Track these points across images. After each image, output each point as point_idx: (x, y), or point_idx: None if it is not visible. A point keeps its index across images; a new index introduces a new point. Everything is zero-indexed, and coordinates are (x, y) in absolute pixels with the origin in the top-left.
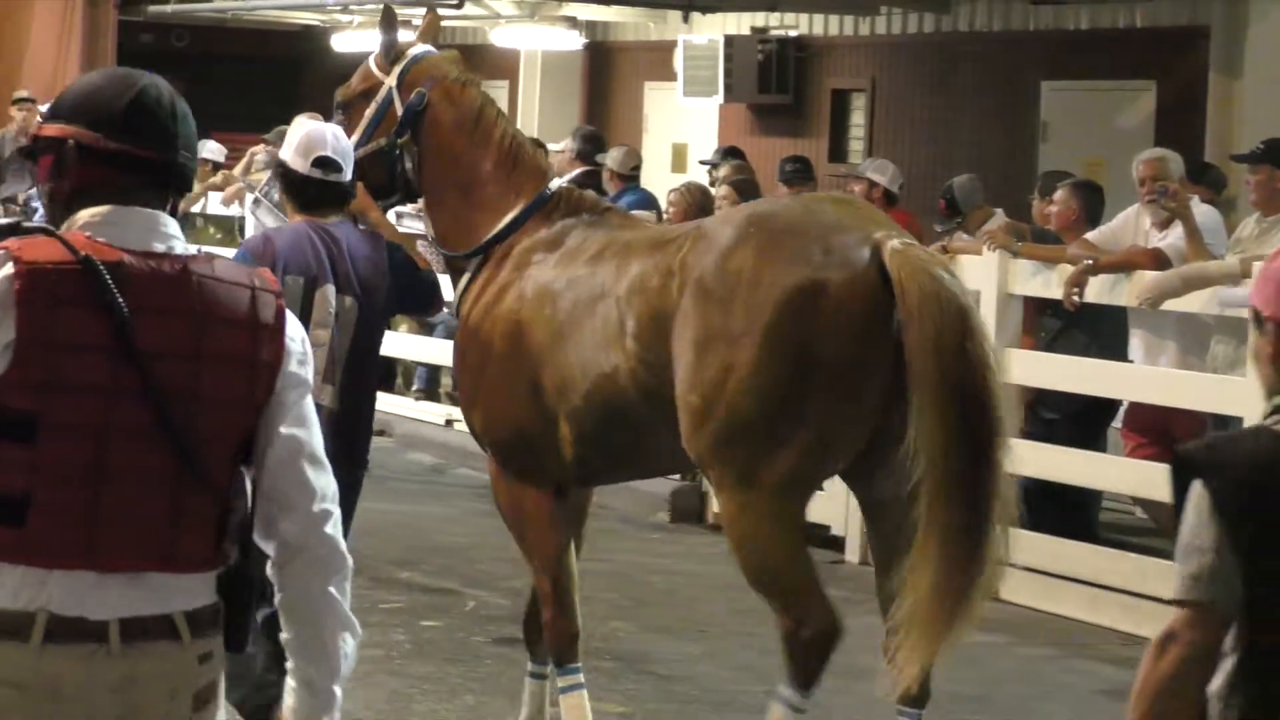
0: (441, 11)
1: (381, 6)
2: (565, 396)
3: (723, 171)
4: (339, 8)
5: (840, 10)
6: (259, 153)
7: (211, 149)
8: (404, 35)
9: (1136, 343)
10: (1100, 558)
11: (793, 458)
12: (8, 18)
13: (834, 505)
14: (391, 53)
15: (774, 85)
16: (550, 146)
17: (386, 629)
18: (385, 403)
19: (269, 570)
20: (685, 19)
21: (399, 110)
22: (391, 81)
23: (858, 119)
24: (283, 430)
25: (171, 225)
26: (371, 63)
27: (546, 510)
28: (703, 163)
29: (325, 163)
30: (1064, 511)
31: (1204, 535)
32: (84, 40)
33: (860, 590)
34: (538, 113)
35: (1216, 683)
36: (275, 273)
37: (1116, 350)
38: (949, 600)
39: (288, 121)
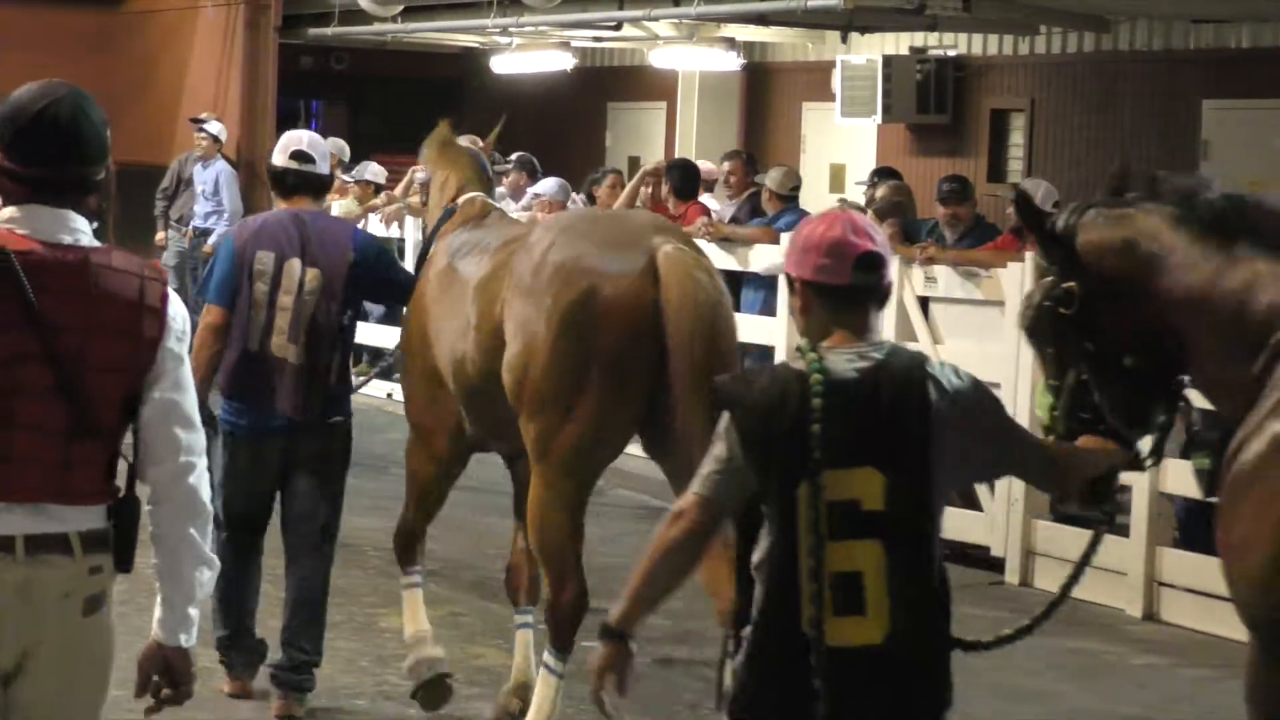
0: (600, 33)
1: (539, 29)
2: (444, 379)
3: (880, 192)
4: (498, 30)
5: (1000, 30)
6: (419, 171)
7: (373, 171)
8: None
9: None
10: None
11: (576, 431)
12: (170, 42)
13: (995, 529)
14: None
15: (932, 105)
16: (702, 164)
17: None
18: None
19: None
20: (844, 39)
21: None
22: None
23: (1017, 139)
24: (158, 395)
25: (78, 221)
26: None
27: (439, 478)
28: (859, 184)
29: (300, 155)
30: None
31: (721, 448)
32: (244, 64)
33: (1020, 611)
34: (695, 134)
35: (756, 557)
36: (248, 250)
37: None
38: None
39: None
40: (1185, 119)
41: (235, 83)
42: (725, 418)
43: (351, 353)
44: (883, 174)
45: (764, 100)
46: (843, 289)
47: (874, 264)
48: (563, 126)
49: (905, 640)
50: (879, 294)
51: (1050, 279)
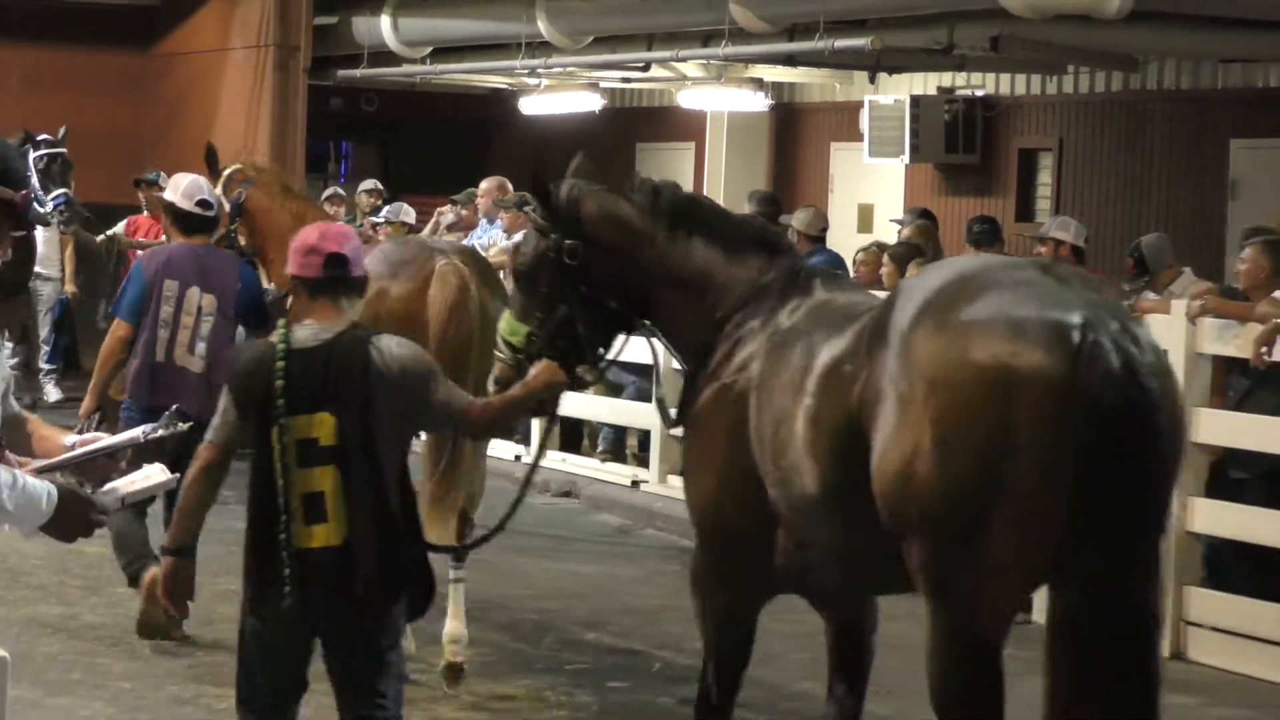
0: (629, 74)
1: (567, 70)
2: None
3: (905, 232)
4: (527, 71)
5: (1028, 69)
6: (446, 213)
7: (405, 211)
8: None
9: None
10: None
11: None
12: (200, 84)
13: None
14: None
15: (961, 145)
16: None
17: (573, 690)
18: (572, 464)
19: None
20: (872, 79)
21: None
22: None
23: (1045, 178)
24: None
25: None
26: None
27: None
28: (893, 221)
29: (204, 204)
30: (1254, 571)
31: (223, 403)
32: (274, 105)
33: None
34: (724, 174)
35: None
36: (158, 278)
37: None
38: (443, 505)
39: (476, 184)
40: (1213, 158)
41: (265, 124)
42: (226, 381)
43: None
44: (918, 214)
45: (792, 140)
46: (317, 281)
47: (340, 263)
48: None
49: (359, 541)
50: (346, 285)
51: (556, 236)
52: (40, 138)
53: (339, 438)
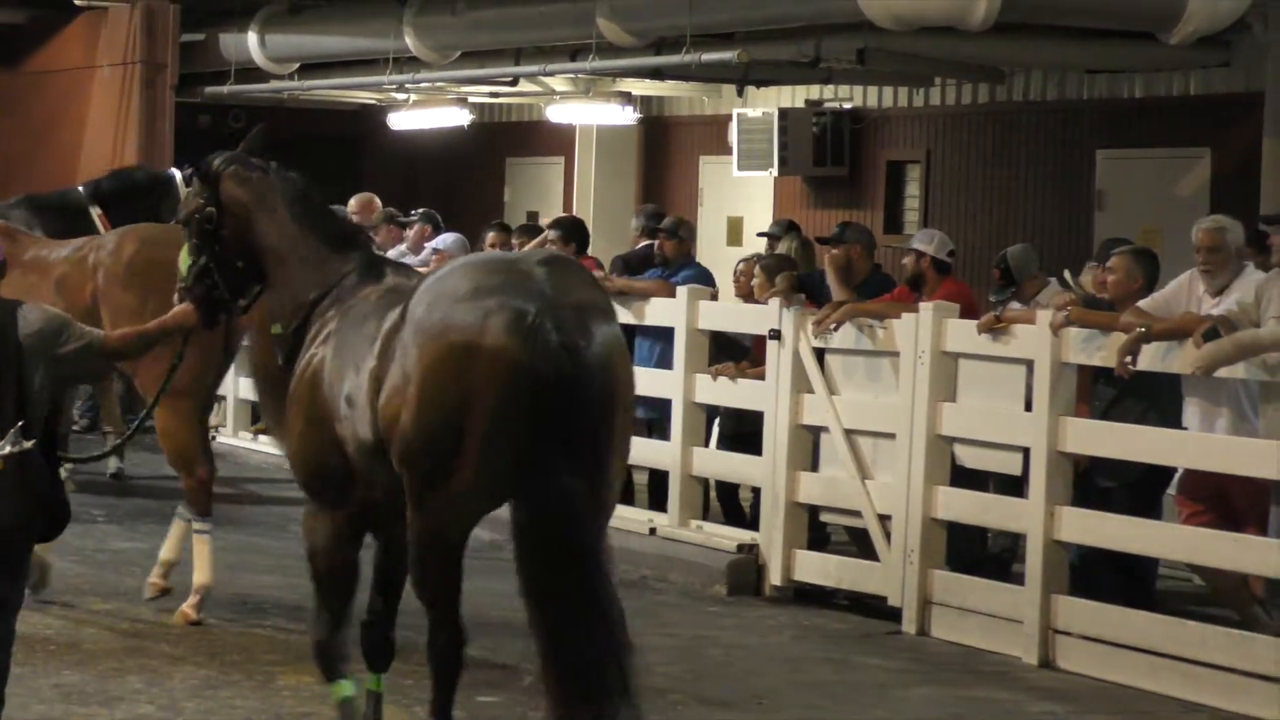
0: (497, 89)
1: (435, 85)
2: None
3: (783, 245)
4: (394, 87)
5: (895, 82)
6: None
7: None
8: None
9: (1191, 409)
10: (1158, 626)
11: (185, 378)
12: (67, 102)
13: (891, 579)
14: None
15: (829, 157)
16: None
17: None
18: None
19: None
20: (740, 93)
21: None
22: None
23: (913, 190)
24: None
25: None
26: None
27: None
28: (761, 235)
29: None
30: (1121, 580)
31: None
32: (142, 122)
33: (917, 660)
34: (594, 188)
35: None
36: None
37: (1171, 417)
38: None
39: (345, 200)
40: (1080, 168)
41: (132, 141)
42: None
43: None
44: (786, 226)
45: (661, 154)
46: None
47: None
48: (462, 182)
49: (3, 479)
50: None
51: (201, 201)
52: None
53: None
